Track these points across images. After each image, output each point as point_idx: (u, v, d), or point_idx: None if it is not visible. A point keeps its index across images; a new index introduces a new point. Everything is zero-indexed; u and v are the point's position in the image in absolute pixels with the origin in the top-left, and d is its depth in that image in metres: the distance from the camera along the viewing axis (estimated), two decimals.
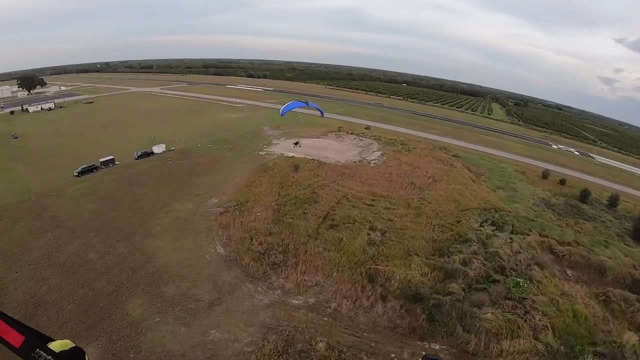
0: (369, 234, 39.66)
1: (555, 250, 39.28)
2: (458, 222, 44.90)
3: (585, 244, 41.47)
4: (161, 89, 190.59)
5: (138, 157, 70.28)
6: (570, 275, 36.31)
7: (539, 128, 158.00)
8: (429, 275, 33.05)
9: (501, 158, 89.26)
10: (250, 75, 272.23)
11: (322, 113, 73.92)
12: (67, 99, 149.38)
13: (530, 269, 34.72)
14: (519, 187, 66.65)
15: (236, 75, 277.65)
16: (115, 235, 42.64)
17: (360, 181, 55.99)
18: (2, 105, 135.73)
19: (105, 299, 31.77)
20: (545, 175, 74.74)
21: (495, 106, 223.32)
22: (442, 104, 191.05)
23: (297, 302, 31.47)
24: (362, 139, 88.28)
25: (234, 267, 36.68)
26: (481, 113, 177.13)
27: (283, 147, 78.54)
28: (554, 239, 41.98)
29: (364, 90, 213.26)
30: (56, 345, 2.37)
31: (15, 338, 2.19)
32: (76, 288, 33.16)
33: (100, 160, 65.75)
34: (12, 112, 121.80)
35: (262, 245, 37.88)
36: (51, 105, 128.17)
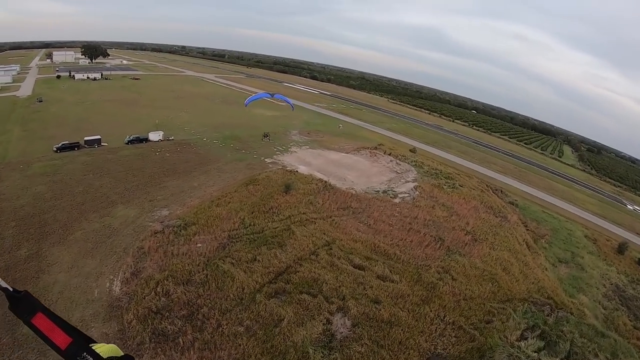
0: (329, 321, 25.58)
1: None
2: (488, 323, 28.71)
3: None
4: (215, 76, 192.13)
5: (128, 141, 64.35)
6: None
7: (612, 181, 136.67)
8: None
9: (568, 214, 71.48)
10: (314, 78, 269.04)
11: (292, 106, 65.56)
12: (118, 72, 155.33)
13: None
14: (587, 262, 49.90)
15: (300, 76, 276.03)
16: (32, 231, 36.37)
17: (367, 223, 41.60)
18: (57, 69, 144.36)
19: None
20: (621, 248, 56.98)
21: (567, 149, 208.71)
22: (510, 137, 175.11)
23: None
24: (400, 163, 73.00)
25: (112, 320, 25.79)
26: (551, 154, 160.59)
27: (298, 158, 66.72)
28: None
29: (427, 110, 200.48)
30: (103, 350, 2.26)
31: (62, 339, 2.13)
32: None
33: (85, 138, 61.66)
34: (58, 77, 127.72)
35: (161, 300, 26.19)
36: (97, 75, 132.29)
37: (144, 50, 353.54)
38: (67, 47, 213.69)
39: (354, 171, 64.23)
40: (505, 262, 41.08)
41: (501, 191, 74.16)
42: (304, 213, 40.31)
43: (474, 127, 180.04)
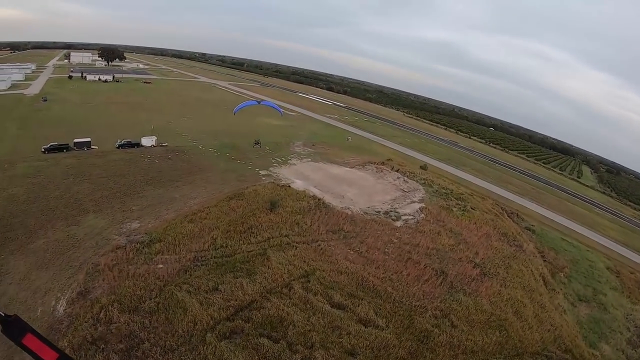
0: None
1: None
2: None
3: None
4: (229, 83, 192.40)
5: (119, 146, 62.44)
6: None
7: (632, 204, 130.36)
8: None
9: (589, 241, 66.49)
10: (330, 89, 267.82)
11: (281, 112, 62.11)
12: (131, 75, 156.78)
13: None
14: (610, 301, 45.04)
15: (316, 87, 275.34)
16: None
17: (358, 250, 36.99)
18: (72, 69, 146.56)
19: None
20: None
21: (586, 169, 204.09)
22: (527, 156, 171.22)
23: None
24: (408, 180, 68.15)
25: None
26: (570, 174, 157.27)
27: (295, 171, 62.88)
28: None
29: (443, 125, 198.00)
30: None
31: (50, 355, 2.42)
32: None
33: (75, 140, 60.18)
34: (70, 77, 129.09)
35: (99, 328, 22.52)
36: (109, 77, 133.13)
37: (165, 55, 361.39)
38: (87, 49, 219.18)
39: (356, 188, 59.86)
40: (518, 304, 35.91)
41: (517, 215, 68.99)
42: (286, 235, 36.08)
43: (491, 144, 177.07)
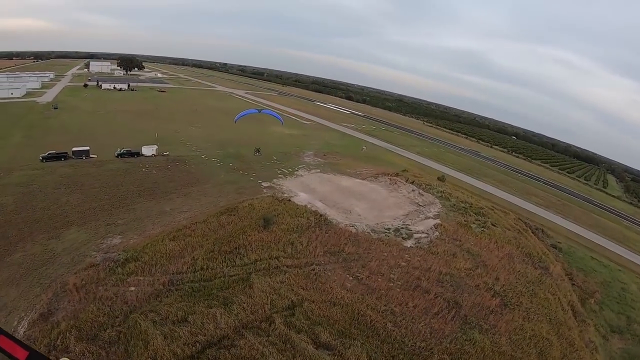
0: None
1: None
2: None
3: None
4: (245, 92, 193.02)
5: (119, 155, 61.36)
6: None
7: None
8: None
9: (620, 259, 60.96)
10: (349, 98, 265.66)
11: (281, 121, 62.75)
12: (147, 84, 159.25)
13: None
14: None
15: (335, 96, 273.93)
16: None
17: (358, 277, 33.03)
18: (89, 78, 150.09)
19: None
20: None
21: (611, 178, 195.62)
22: (551, 165, 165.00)
23: None
24: (423, 193, 63.62)
25: None
26: (595, 184, 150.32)
27: (301, 183, 59.68)
28: None
29: (464, 134, 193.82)
30: None
31: (21, 353, 2.59)
32: None
33: (73, 149, 59.63)
34: (85, 85, 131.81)
35: (52, 357, 19.59)
36: (124, 86, 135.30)
37: (185, 65, 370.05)
38: (109, 59, 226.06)
39: (365, 202, 56.00)
40: (543, 342, 31.13)
41: (542, 231, 63.67)
42: (276, 257, 32.58)
43: (513, 153, 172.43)
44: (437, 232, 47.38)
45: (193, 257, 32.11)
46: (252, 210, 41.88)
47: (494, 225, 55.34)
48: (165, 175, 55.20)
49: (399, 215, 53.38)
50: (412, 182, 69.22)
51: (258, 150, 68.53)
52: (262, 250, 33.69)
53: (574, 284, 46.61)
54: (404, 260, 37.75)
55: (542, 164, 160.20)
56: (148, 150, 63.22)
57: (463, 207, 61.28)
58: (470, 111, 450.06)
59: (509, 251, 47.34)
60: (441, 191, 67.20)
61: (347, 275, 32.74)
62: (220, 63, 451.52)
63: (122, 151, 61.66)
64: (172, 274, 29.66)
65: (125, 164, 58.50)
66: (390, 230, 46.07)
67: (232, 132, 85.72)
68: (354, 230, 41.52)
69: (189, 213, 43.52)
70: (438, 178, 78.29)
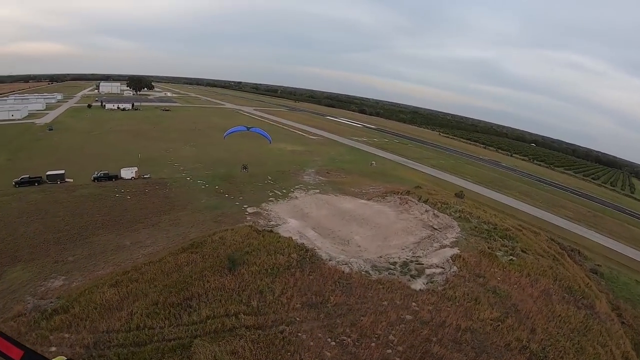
0: None
1: None
2: None
3: None
4: (254, 109, 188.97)
5: (95, 178, 55.70)
6: None
7: None
8: None
9: None
10: (362, 111, 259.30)
11: (269, 140, 57.63)
12: (153, 103, 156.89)
13: None
14: None
15: (348, 110, 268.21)
16: None
17: (343, 341, 24.46)
18: (97, 99, 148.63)
19: None
20: None
21: (636, 182, 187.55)
22: (575, 172, 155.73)
23: None
24: (439, 214, 54.55)
25: None
26: (622, 189, 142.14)
27: (294, 207, 51.95)
28: None
29: (482, 144, 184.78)
30: None
31: (16, 353, 2.53)
32: None
33: (47, 173, 54.90)
34: (89, 106, 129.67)
35: None
36: (127, 106, 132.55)
37: (200, 85, 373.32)
38: (122, 80, 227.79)
39: (369, 228, 47.69)
40: None
41: (578, 252, 54.63)
42: (234, 314, 24.56)
43: (535, 161, 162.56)
44: (455, 267, 38.32)
45: (131, 310, 24.67)
46: (222, 245, 34.19)
47: (525, 252, 45.72)
48: (138, 202, 48.64)
49: (408, 244, 44.69)
50: (426, 201, 60.28)
51: (245, 167, 62.02)
52: (219, 303, 25.84)
53: (623, 322, 37.58)
54: (409, 312, 29.01)
55: (565, 171, 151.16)
56: (127, 173, 57.24)
57: (486, 229, 51.81)
58: (487, 120, 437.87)
59: (546, 287, 37.79)
60: (459, 210, 57.92)
61: (328, 339, 24.32)
62: (234, 82, 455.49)
63: (98, 174, 55.97)
64: (102, 332, 22.37)
65: (99, 189, 52.52)
66: (396, 266, 37.40)
67: (228, 151, 79.49)
68: (347, 270, 33.05)
69: (150, 248, 36.41)
70: (456, 194, 69.14)
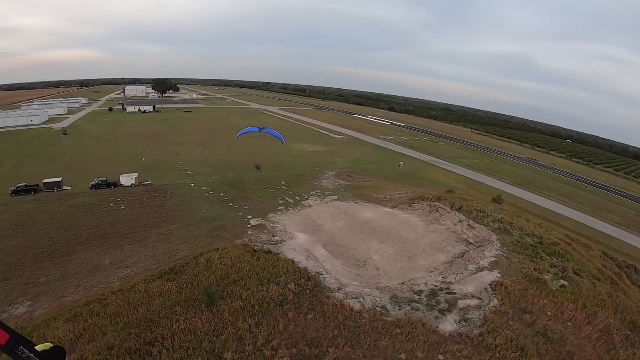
0: None
1: None
2: None
3: None
4: (279, 109, 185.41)
5: (93, 186, 52.57)
6: None
7: None
8: None
9: None
10: (392, 109, 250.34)
11: (282, 141, 55.10)
12: (176, 105, 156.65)
13: None
14: None
15: (377, 108, 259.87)
16: None
17: None
18: (120, 102, 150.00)
19: None
20: None
21: None
22: (616, 170, 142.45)
23: None
24: (474, 225, 46.67)
25: None
26: None
27: (305, 218, 46.00)
28: None
29: (517, 141, 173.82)
30: (39, 348, 2.74)
31: (1, 336, 2.62)
32: None
33: (44, 181, 52.40)
34: (110, 109, 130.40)
35: None
36: (148, 108, 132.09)
37: (228, 86, 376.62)
38: (148, 83, 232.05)
39: (392, 244, 40.90)
40: None
41: (635, 269, 46.41)
42: None
43: (573, 159, 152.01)
44: (495, 299, 30.73)
45: (82, 356, 19.69)
46: (206, 271, 28.70)
47: (578, 274, 36.98)
48: (132, 212, 44.49)
49: (438, 265, 37.62)
50: (460, 209, 52.29)
51: (258, 167, 57.35)
52: (184, 353, 20.25)
53: None
54: None
55: (605, 169, 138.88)
56: (127, 180, 53.63)
57: (531, 244, 43.20)
58: (520, 116, 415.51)
59: (606, 323, 29.39)
60: (499, 220, 49.52)
61: None
62: (263, 83, 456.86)
63: (97, 182, 52.83)
64: None
65: (95, 198, 49.08)
66: (422, 297, 30.48)
67: (242, 153, 74.81)
68: (357, 307, 26.49)
69: (129, 270, 31.69)
70: (493, 199, 60.54)
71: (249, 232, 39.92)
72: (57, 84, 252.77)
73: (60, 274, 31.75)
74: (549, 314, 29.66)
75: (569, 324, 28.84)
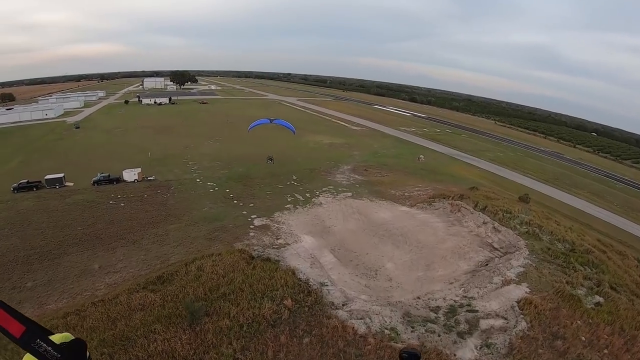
0: None
1: None
2: None
3: None
4: (297, 99, 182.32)
5: (95, 182, 51.08)
6: None
7: None
8: None
9: None
10: (413, 100, 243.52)
11: (293, 131, 55.71)
12: (193, 97, 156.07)
13: None
14: None
15: (398, 99, 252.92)
16: None
17: None
18: (137, 95, 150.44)
19: None
20: None
21: None
22: None
23: None
24: (500, 228, 42.17)
25: None
26: None
27: (314, 218, 42.85)
28: None
29: (542, 134, 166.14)
30: (56, 338, 2.39)
31: (16, 328, 2.25)
32: None
33: (46, 177, 51.15)
34: (126, 102, 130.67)
35: None
36: (164, 100, 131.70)
37: (248, 77, 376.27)
38: (168, 75, 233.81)
39: (408, 249, 37.28)
40: None
41: None
42: None
43: (600, 153, 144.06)
44: (523, 321, 26.62)
45: None
46: (195, 280, 26.01)
47: (614, 289, 32.21)
48: (130, 211, 42.55)
49: (459, 275, 33.75)
50: (484, 209, 47.72)
51: (270, 159, 55.66)
52: None
53: None
54: None
55: (634, 165, 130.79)
56: (129, 175, 51.91)
57: (562, 251, 38.25)
58: (544, 108, 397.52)
59: None
60: (527, 222, 44.65)
61: None
62: (283, 74, 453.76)
63: (99, 177, 51.30)
64: None
65: (95, 194, 47.55)
66: (439, 314, 26.84)
67: (253, 146, 72.09)
68: (362, 329, 23.15)
69: (117, 276, 29.56)
70: (520, 198, 55.53)
71: (251, 234, 37.12)
72: (78, 78, 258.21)
73: (47, 278, 30.07)
74: (583, 339, 25.36)
75: (605, 351, 24.60)
